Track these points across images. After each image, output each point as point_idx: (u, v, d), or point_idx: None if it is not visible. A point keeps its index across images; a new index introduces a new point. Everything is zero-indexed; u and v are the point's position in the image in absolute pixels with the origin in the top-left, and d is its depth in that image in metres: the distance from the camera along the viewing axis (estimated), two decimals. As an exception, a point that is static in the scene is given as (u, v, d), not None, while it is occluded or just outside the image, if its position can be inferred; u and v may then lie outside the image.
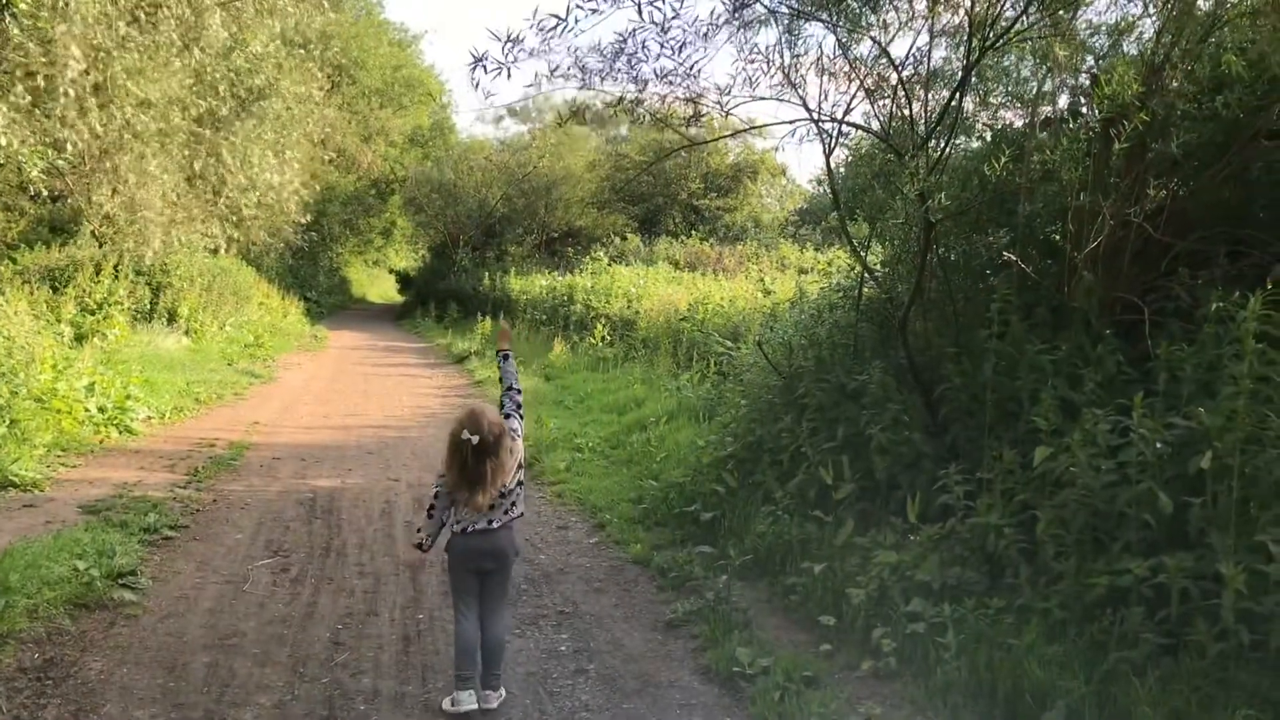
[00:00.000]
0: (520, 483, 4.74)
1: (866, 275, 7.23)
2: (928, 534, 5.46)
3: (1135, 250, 5.81)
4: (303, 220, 22.91)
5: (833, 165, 7.02)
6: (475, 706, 4.51)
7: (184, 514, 7.82)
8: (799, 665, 4.97)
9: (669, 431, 10.16)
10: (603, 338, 17.47)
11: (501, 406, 5.00)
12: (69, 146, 11.35)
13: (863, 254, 7.27)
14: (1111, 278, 5.86)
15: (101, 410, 10.84)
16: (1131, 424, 4.68)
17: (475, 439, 4.42)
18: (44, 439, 9.27)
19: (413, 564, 6.77)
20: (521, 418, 5.01)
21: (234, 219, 17.04)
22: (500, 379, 5.25)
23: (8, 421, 8.99)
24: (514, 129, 38.87)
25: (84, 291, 16.04)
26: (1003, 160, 5.48)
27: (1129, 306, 5.67)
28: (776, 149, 34.97)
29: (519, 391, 5.11)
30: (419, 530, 4.77)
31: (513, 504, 4.70)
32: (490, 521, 4.61)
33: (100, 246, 17.33)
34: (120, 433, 10.78)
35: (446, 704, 4.57)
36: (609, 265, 25.52)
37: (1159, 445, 4.55)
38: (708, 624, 5.63)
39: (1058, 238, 6.47)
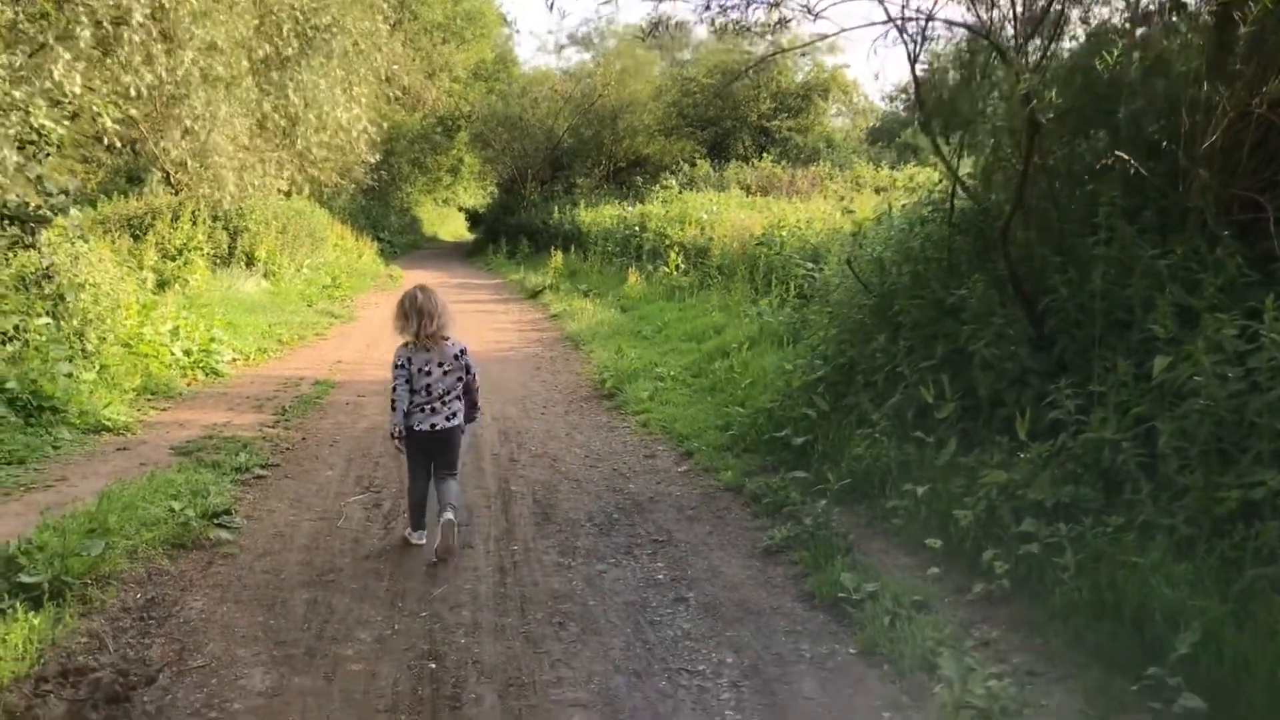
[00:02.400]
0: (459, 395, 5.84)
1: (959, 187, 6.91)
2: (1038, 451, 5.20)
3: (1254, 144, 5.43)
4: (372, 160, 22.87)
5: (917, 72, 6.69)
6: (424, 541, 5.81)
7: (274, 453, 7.85)
8: (907, 590, 4.81)
9: (752, 357, 9.96)
10: (677, 266, 17.22)
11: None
12: (136, 92, 11.32)
13: (954, 164, 6.94)
14: (1228, 174, 5.49)
15: (187, 353, 10.96)
16: (1261, 328, 4.37)
17: (426, 287, 5.80)
18: (133, 383, 9.37)
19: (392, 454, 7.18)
20: (476, 390, 6.00)
21: (306, 159, 17.02)
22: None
23: (98, 367, 9.10)
24: (576, 58, 38.34)
25: (163, 238, 16.21)
26: (1115, 54, 5.11)
27: (1247, 204, 5.31)
28: (848, 66, 34.04)
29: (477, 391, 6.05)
30: (394, 432, 5.75)
31: (454, 413, 5.80)
32: (434, 425, 5.72)
33: (176, 194, 17.49)
34: (207, 375, 10.90)
35: (410, 536, 5.89)
36: (679, 192, 25.14)
37: (1292, 349, 4.25)
38: (808, 550, 5.49)
39: (1158, 138, 6.09)
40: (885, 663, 4.31)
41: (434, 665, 4.34)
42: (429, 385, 5.69)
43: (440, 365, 5.69)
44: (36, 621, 4.40)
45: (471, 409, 6.00)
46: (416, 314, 5.60)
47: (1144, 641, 4.02)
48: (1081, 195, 6.23)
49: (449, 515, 5.62)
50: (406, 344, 5.71)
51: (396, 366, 5.69)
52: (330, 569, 5.47)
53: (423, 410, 5.71)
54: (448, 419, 5.76)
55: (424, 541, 5.82)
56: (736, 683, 4.20)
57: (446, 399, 5.74)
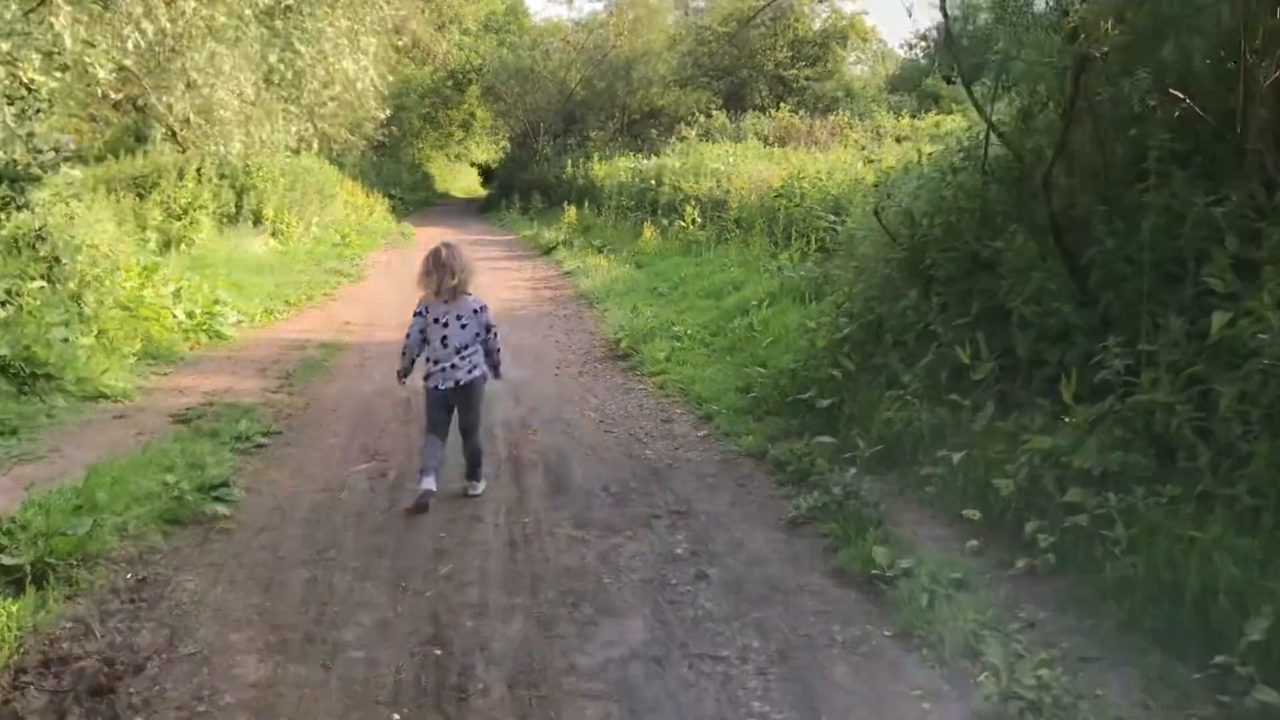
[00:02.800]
0: (477, 349, 5.92)
1: (992, 133, 6.49)
2: (1083, 415, 4.85)
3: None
4: (382, 115, 22.38)
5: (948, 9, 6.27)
6: (434, 488, 5.67)
7: (277, 419, 7.56)
8: (945, 565, 4.51)
9: (772, 315, 9.60)
10: (693, 220, 16.79)
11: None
12: (135, 46, 10.93)
13: (987, 109, 6.52)
14: (1288, 114, 5.08)
15: (190, 316, 10.64)
16: (1334, 281, 4.01)
17: (451, 243, 5.94)
18: (133, 348, 9.05)
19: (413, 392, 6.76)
20: (497, 350, 6.10)
21: (315, 114, 16.61)
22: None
23: (96, 331, 8.79)
24: (588, 7, 37.75)
25: (168, 197, 15.86)
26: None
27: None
28: (867, 13, 33.33)
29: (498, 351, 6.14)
30: (399, 371, 6.03)
31: (474, 365, 5.88)
32: (457, 380, 5.82)
33: (183, 151, 17.13)
34: (210, 338, 10.60)
35: (420, 482, 5.69)
36: (696, 143, 24.58)
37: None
38: (836, 521, 5.17)
39: (1213, 75, 5.65)
40: (924, 647, 4.01)
41: (439, 652, 4.05)
42: (445, 337, 5.81)
43: (458, 318, 5.83)
44: (15, 608, 4.12)
45: (494, 369, 6.12)
46: (438, 269, 5.78)
47: (1208, 625, 3.70)
48: (1128, 139, 5.82)
49: (476, 494, 5.99)
50: (427, 295, 5.91)
51: (416, 314, 5.92)
52: (331, 545, 5.18)
53: (442, 367, 5.84)
54: (469, 371, 5.87)
55: (431, 488, 5.68)
56: (763, 669, 3.91)
57: (464, 353, 5.85)
